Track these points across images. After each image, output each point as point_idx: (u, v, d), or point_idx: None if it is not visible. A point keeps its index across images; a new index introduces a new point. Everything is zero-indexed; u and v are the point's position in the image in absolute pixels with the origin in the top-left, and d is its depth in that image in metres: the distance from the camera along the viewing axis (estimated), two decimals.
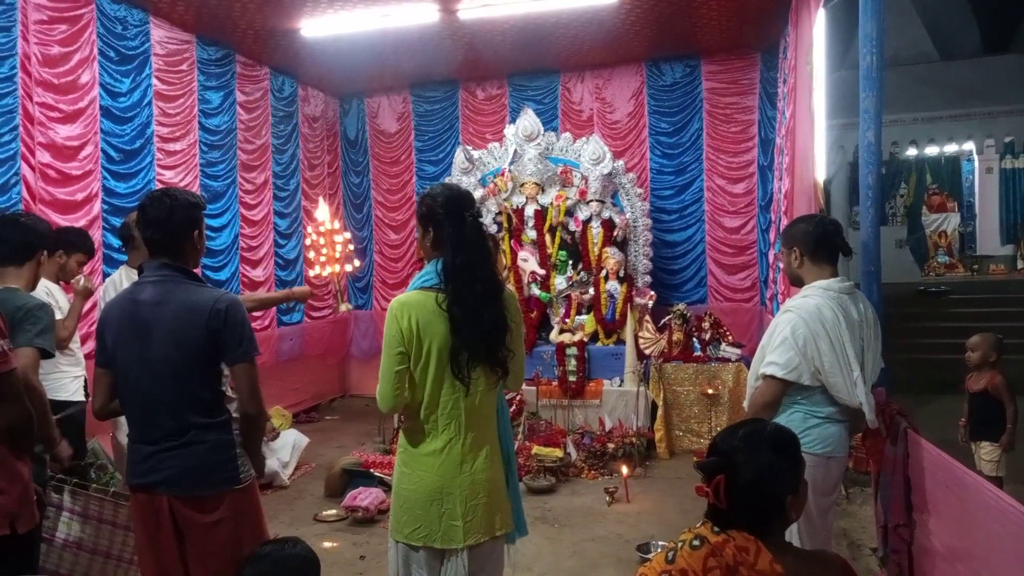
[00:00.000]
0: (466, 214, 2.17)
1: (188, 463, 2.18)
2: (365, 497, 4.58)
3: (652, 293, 6.72)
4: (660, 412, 5.95)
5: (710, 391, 5.93)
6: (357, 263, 6.62)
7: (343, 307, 6.04)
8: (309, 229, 6.73)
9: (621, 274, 6.54)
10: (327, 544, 4.22)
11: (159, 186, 5.60)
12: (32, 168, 4.77)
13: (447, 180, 7.10)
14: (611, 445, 5.59)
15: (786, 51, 6.12)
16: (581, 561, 3.96)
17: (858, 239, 3.59)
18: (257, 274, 7.10)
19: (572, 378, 6.18)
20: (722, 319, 6.60)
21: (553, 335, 6.56)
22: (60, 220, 4.81)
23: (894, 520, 2.75)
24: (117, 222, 5.07)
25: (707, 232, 7.70)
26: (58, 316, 3.38)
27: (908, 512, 2.71)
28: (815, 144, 4.83)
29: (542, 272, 6.66)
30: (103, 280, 4.68)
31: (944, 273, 12.53)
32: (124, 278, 3.83)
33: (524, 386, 5.99)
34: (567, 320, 6.61)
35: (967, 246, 13.54)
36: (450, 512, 2.13)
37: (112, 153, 5.44)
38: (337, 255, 6.41)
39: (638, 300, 6.54)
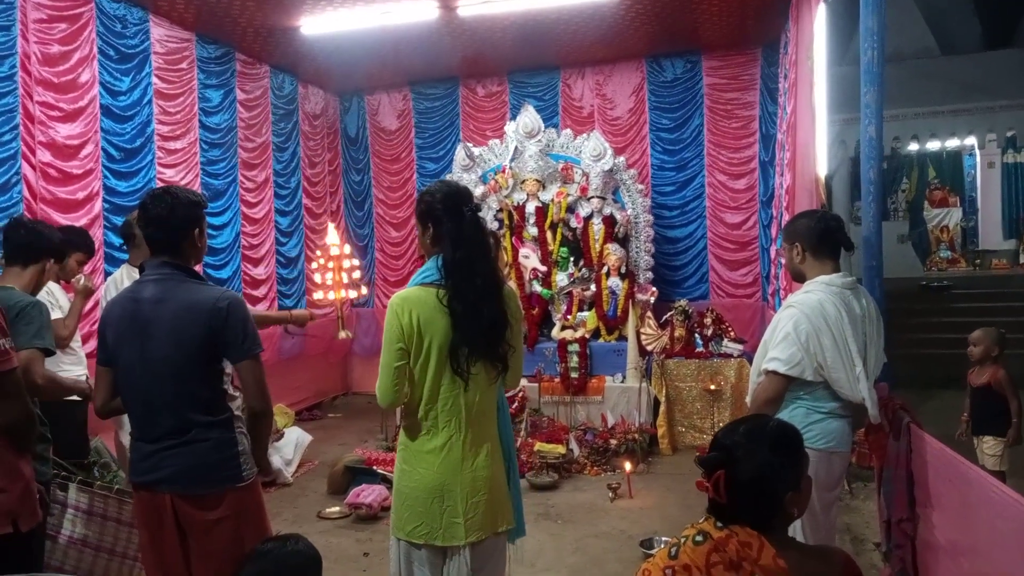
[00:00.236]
0: (464, 209, 2.17)
1: (190, 461, 2.18)
2: (368, 494, 4.58)
3: (654, 289, 6.71)
4: (662, 408, 5.95)
5: (712, 387, 5.93)
6: (365, 290, 6.65)
7: (342, 333, 6.09)
8: (318, 252, 6.78)
9: (623, 270, 6.53)
10: (330, 541, 4.23)
11: (160, 184, 5.61)
12: (33, 167, 4.77)
13: (448, 177, 7.09)
14: (613, 441, 5.59)
15: (787, 46, 6.11)
16: (584, 557, 3.96)
17: (860, 234, 3.58)
18: (259, 272, 7.11)
19: (574, 375, 6.18)
20: (724, 315, 6.60)
21: (555, 332, 6.56)
22: (61, 219, 4.82)
23: (897, 515, 2.75)
24: (118, 221, 5.08)
25: (708, 228, 7.69)
26: (58, 316, 3.39)
27: (911, 507, 2.71)
28: (816, 139, 4.82)
29: (543, 269, 6.66)
30: (105, 279, 4.68)
31: (946, 268, 12.50)
32: (125, 277, 3.83)
33: (526, 383, 6.06)
34: (569, 317, 6.60)
35: (969, 241, 13.51)
36: (451, 509, 2.13)
37: (113, 152, 5.45)
38: (344, 280, 6.46)
39: (640, 296, 6.54)
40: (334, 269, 6.52)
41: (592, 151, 6.58)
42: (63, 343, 3.39)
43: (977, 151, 13.29)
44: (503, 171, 6.83)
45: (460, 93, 8.25)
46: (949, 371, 6.34)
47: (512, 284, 6.64)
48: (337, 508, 4.71)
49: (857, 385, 2.50)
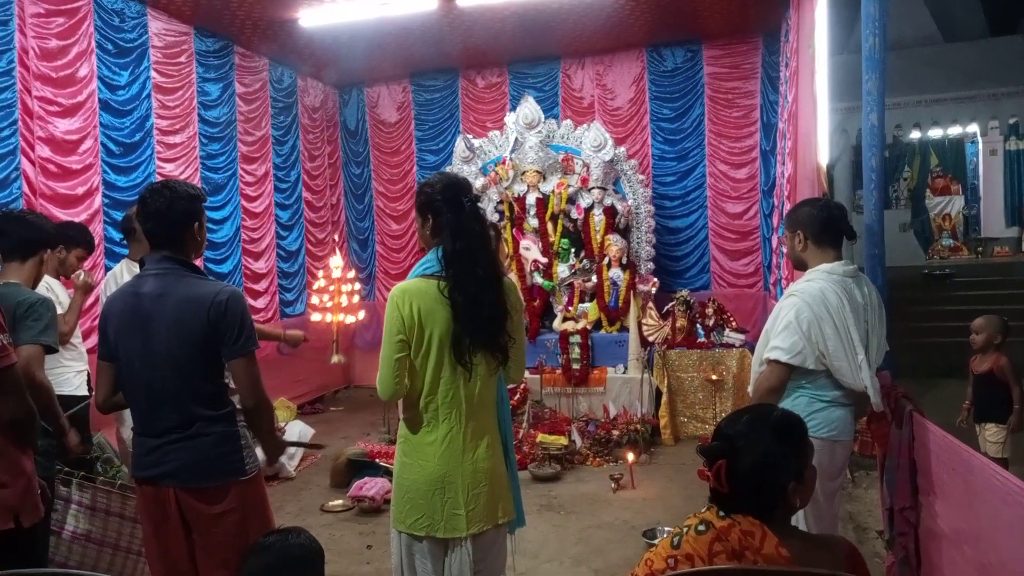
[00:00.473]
0: (464, 200, 2.17)
1: (193, 455, 2.18)
2: (371, 487, 4.59)
3: (655, 280, 6.70)
4: (664, 399, 5.96)
5: (714, 377, 5.93)
6: (363, 315, 6.68)
7: (335, 358, 6.10)
8: (320, 274, 6.82)
9: (624, 261, 6.52)
10: (334, 534, 4.24)
11: (159, 179, 5.60)
12: (32, 162, 4.76)
13: (448, 169, 7.07)
14: (616, 432, 5.60)
15: (788, 34, 6.07)
16: (587, 548, 3.97)
17: (862, 223, 3.57)
18: (259, 266, 7.10)
19: (576, 366, 6.18)
20: (726, 305, 6.59)
21: (556, 323, 6.55)
22: (61, 215, 4.81)
23: (900, 503, 2.75)
24: (118, 216, 5.07)
25: (710, 218, 7.67)
26: (59, 312, 3.38)
27: (914, 495, 2.70)
28: (818, 128, 4.79)
29: (544, 260, 6.65)
30: (105, 274, 4.68)
31: (948, 256, 12.48)
32: (125, 271, 3.82)
33: (528, 374, 6.06)
34: (570, 308, 6.60)
35: (971, 229, 13.47)
36: (452, 501, 2.13)
37: (112, 147, 5.43)
38: (343, 304, 6.51)
39: (641, 287, 6.53)
40: (334, 292, 6.59)
41: (593, 142, 6.56)
42: (63, 339, 3.39)
43: (979, 139, 13.24)
44: (503, 163, 6.81)
45: (460, 84, 8.23)
46: (951, 359, 6.33)
47: (513, 276, 6.65)
48: (340, 501, 4.72)
49: (859, 373, 2.49)
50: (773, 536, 1.42)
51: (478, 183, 6.77)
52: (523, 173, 6.74)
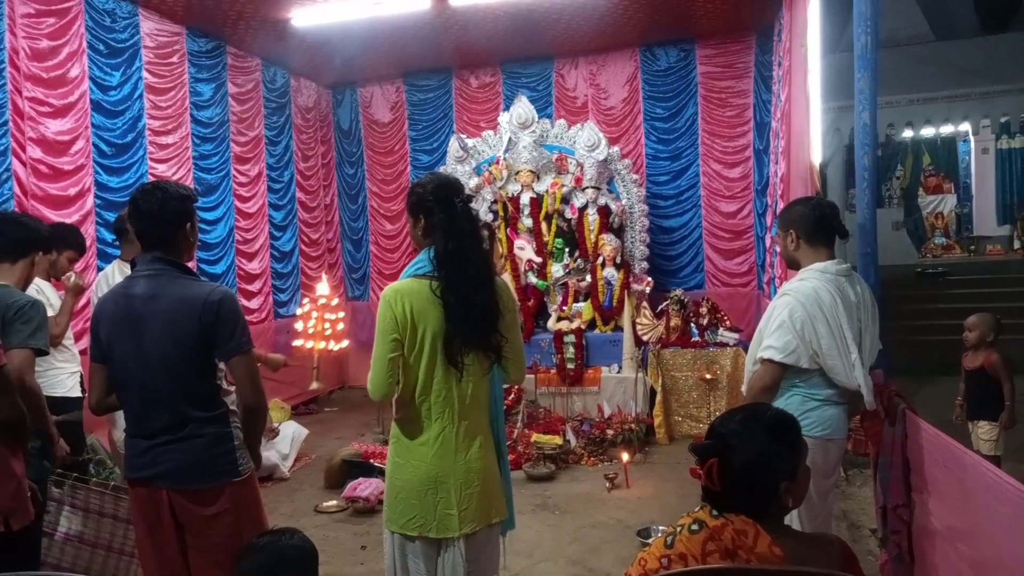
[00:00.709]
0: (456, 200, 2.17)
1: (186, 457, 2.17)
2: (365, 488, 4.58)
3: (649, 279, 6.71)
4: (659, 398, 5.96)
5: (708, 376, 5.93)
6: (347, 343, 6.70)
7: (314, 384, 6.11)
8: (306, 301, 6.82)
9: (618, 261, 6.53)
10: (328, 535, 4.23)
11: (152, 180, 5.57)
12: (23, 164, 4.74)
13: (441, 169, 7.07)
14: (610, 431, 5.60)
15: (781, 33, 6.09)
16: (582, 547, 3.97)
17: (854, 221, 3.58)
18: (253, 267, 7.08)
19: (570, 365, 6.18)
20: (719, 304, 6.60)
21: (551, 323, 6.55)
22: (53, 216, 4.78)
23: (893, 501, 2.76)
24: (110, 217, 5.05)
25: (703, 217, 7.68)
26: (50, 314, 3.36)
27: (907, 493, 2.71)
28: (811, 127, 4.81)
29: (539, 260, 6.65)
30: (97, 275, 4.65)
31: (941, 254, 12.54)
32: (117, 272, 3.80)
33: None
34: (564, 308, 6.60)
35: (964, 227, 13.53)
36: (445, 501, 2.13)
37: (104, 147, 5.41)
38: (327, 331, 6.54)
39: (635, 286, 6.53)
40: (318, 318, 6.61)
41: (586, 141, 6.56)
42: (55, 341, 3.37)
43: (971, 137, 13.29)
44: (497, 162, 6.81)
45: (453, 84, 8.22)
46: (945, 357, 6.34)
47: (508, 276, 6.64)
48: (334, 502, 4.71)
49: (852, 372, 2.50)
50: (766, 535, 1.42)
51: (472, 183, 6.77)
52: (517, 173, 6.73)
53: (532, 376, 6.15)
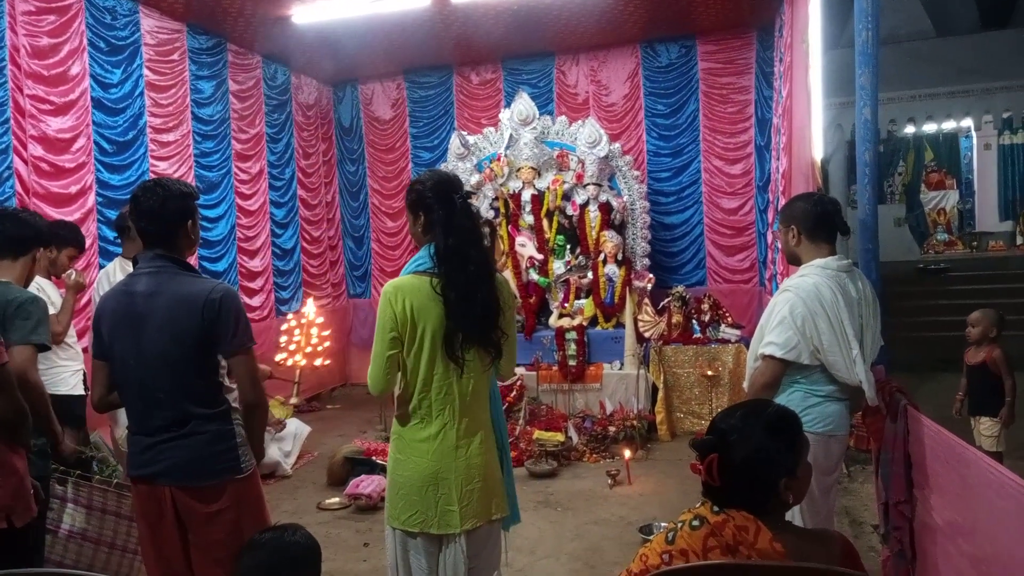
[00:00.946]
0: (455, 197, 2.18)
1: (188, 454, 2.17)
2: (368, 485, 4.59)
3: (651, 276, 6.71)
4: (661, 394, 5.96)
5: (710, 373, 5.93)
6: (328, 361, 6.72)
7: (293, 400, 6.14)
8: (290, 315, 6.84)
9: (619, 257, 6.52)
10: (331, 532, 4.24)
11: (153, 177, 5.57)
12: (25, 161, 4.74)
13: (443, 166, 7.06)
14: (612, 428, 5.61)
15: (782, 29, 6.08)
16: (584, 544, 3.97)
17: (856, 217, 3.57)
18: (255, 264, 7.09)
19: (572, 362, 6.18)
20: (721, 300, 6.60)
21: (552, 320, 6.55)
22: (54, 214, 4.78)
23: (895, 497, 2.75)
24: (112, 215, 5.05)
25: (705, 213, 7.68)
26: (50, 312, 3.36)
27: (909, 489, 2.71)
28: (812, 123, 4.80)
29: (540, 257, 6.65)
30: (98, 273, 4.66)
31: (943, 250, 12.53)
32: (118, 269, 3.81)
33: (524, 371, 6.07)
34: (566, 304, 6.60)
35: (966, 223, 13.51)
36: (446, 497, 2.14)
37: (105, 145, 5.41)
38: (309, 349, 6.56)
39: (637, 283, 6.53)
40: (302, 335, 6.62)
41: (587, 138, 6.55)
42: (57, 339, 3.37)
43: (973, 133, 13.26)
44: (498, 159, 6.80)
45: (454, 81, 8.21)
46: (947, 353, 6.35)
47: (509, 273, 6.64)
48: (337, 499, 4.72)
49: (854, 368, 2.50)
50: (767, 531, 1.42)
51: (473, 180, 6.76)
52: (518, 170, 6.73)
53: (534, 373, 6.15)
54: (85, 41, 5.23)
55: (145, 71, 5.77)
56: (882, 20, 3.54)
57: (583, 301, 6.59)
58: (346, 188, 8.74)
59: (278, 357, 6.63)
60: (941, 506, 2.48)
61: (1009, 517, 1.89)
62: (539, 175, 6.72)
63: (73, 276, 3.65)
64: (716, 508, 1.47)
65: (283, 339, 6.63)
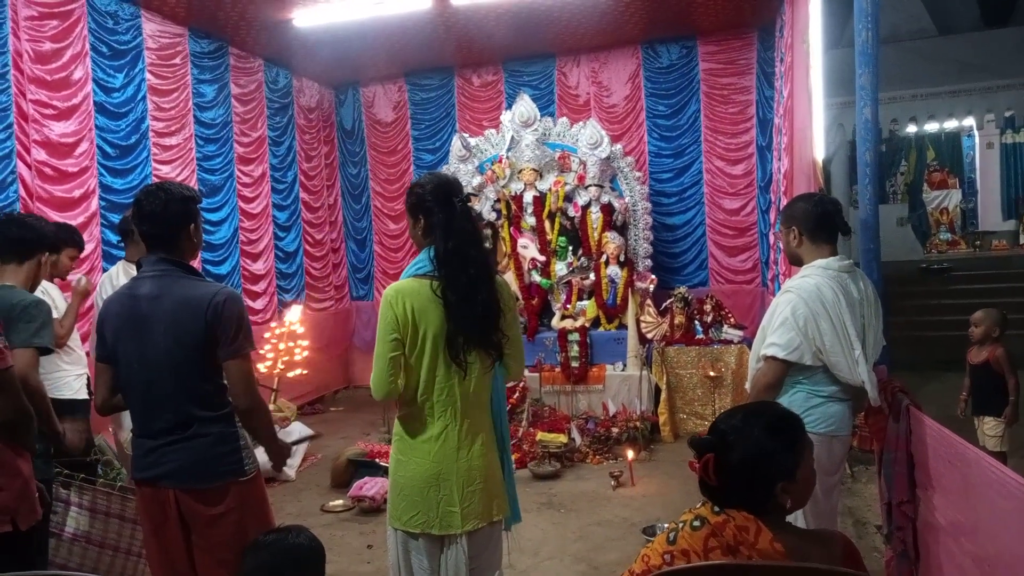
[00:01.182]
0: (455, 200, 2.19)
1: (192, 456, 2.18)
2: (371, 487, 4.60)
3: (653, 277, 6.71)
4: (663, 395, 5.96)
5: (713, 373, 5.93)
6: (305, 372, 6.72)
7: (271, 406, 6.14)
8: (273, 324, 6.84)
9: (621, 259, 6.52)
10: (334, 534, 4.24)
11: (156, 181, 5.58)
12: (28, 166, 4.76)
13: (444, 168, 7.08)
14: (615, 430, 5.61)
15: (782, 29, 6.08)
16: (587, 545, 3.97)
17: (858, 217, 3.57)
18: (258, 267, 7.10)
19: (575, 364, 6.18)
20: (724, 301, 6.60)
21: (555, 321, 6.56)
22: (58, 218, 4.79)
23: (898, 497, 2.75)
24: (115, 218, 5.07)
25: (707, 214, 7.67)
26: (55, 315, 3.37)
27: (912, 489, 2.71)
28: (813, 123, 4.80)
29: (542, 258, 6.65)
30: (101, 276, 4.67)
31: (946, 250, 12.50)
32: (122, 273, 3.82)
33: (527, 373, 6.06)
34: (568, 306, 6.60)
35: (969, 222, 13.48)
36: (447, 498, 2.15)
37: (108, 149, 5.43)
38: (287, 358, 6.57)
39: (639, 284, 6.53)
40: (284, 340, 6.63)
41: (589, 139, 6.55)
42: (60, 343, 3.38)
43: (976, 132, 13.24)
44: (500, 161, 6.81)
45: (455, 83, 8.22)
46: (950, 352, 6.34)
47: (511, 274, 6.65)
48: (340, 501, 4.73)
49: (856, 368, 2.50)
50: (768, 531, 1.42)
51: (475, 181, 6.77)
52: (520, 171, 6.74)
53: (537, 375, 6.16)
54: (87, 46, 5.25)
55: (147, 75, 5.79)
56: (883, 19, 3.55)
57: (585, 302, 6.59)
58: (348, 191, 8.76)
59: (260, 366, 6.59)
60: (944, 506, 2.48)
61: (1011, 517, 1.89)
62: (541, 177, 6.73)
63: (83, 281, 3.66)
64: (717, 508, 1.47)
65: (266, 347, 6.60)
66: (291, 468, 5.39)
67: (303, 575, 1.92)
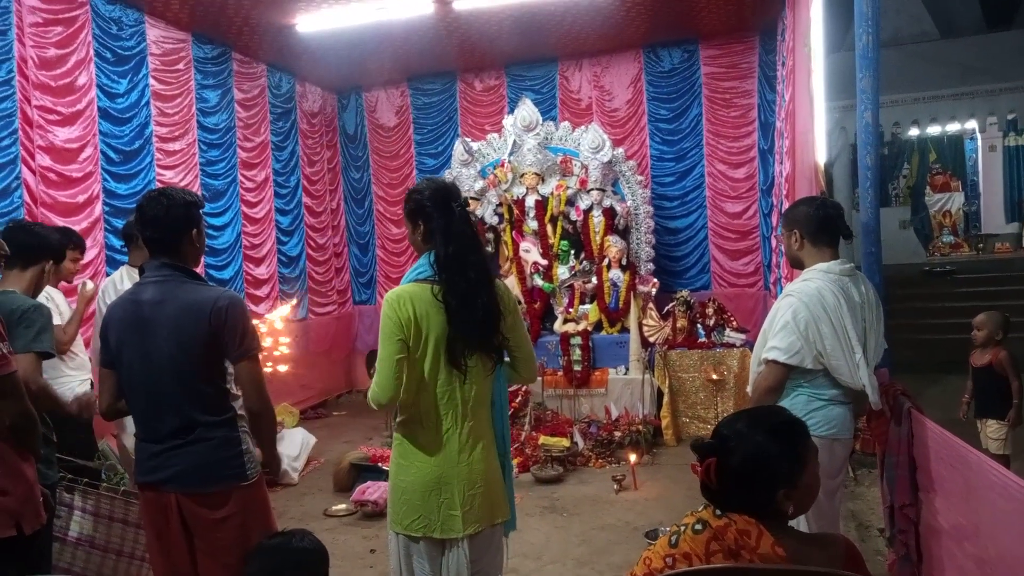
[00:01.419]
0: (453, 204, 2.20)
1: (194, 460, 2.19)
2: (374, 491, 4.59)
3: (655, 280, 6.71)
4: (666, 399, 5.95)
5: (715, 377, 5.92)
6: (284, 369, 6.70)
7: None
8: (259, 323, 6.84)
9: (624, 262, 6.53)
10: (337, 538, 4.24)
11: (159, 186, 5.61)
12: (33, 171, 4.78)
13: (447, 172, 7.10)
14: (618, 433, 5.60)
15: (784, 33, 6.08)
16: (589, 549, 3.97)
17: (860, 220, 3.57)
18: (261, 272, 7.12)
19: (577, 368, 6.18)
20: (726, 304, 6.59)
21: (557, 325, 6.56)
22: (62, 223, 4.81)
23: (900, 500, 2.75)
24: (119, 224, 5.09)
25: (709, 218, 7.68)
26: (59, 322, 3.38)
27: (914, 492, 2.71)
28: (815, 126, 4.80)
29: (544, 262, 6.66)
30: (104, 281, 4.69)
31: (949, 253, 12.48)
32: (125, 277, 3.83)
33: None
34: (571, 310, 6.60)
35: (972, 225, 13.46)
36: (448, 502, 2.15)
37: (112, 154, 5.45)
38: (275, 352, 6.56)
39: (641, 288, 6.53)
40: (273, 338, 6.63)
41: (591, 143, 6.57)
42: (63, 348, 3.40)
43: (978, 135, 13.23)
44: (502, 165, 6.83)
45: (458, 88, 8.25)
46: (953, 356, 6.33)
47: (514, 278, 6.66)
48: (343, 505, 4.73)
49: (857, 372, 2.50)
50: (769, 535, 1.42)
51: (477, 186, 6.79)
52: (522, 175, 6.75)
53: (539, 378, 6.16)
54: (92, 52, 5.27)
55: (151, 81, 5.81)
56: (885, 22, 3.56)
57: (588, 306, 6.60)
58: (351, 195, 8.78)
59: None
60: (946, 509, 2.48)
61: (1013, 519, 1.89)
62: (543, 181, 6.74)
63: (89, 286, 3.67)
64: (718, 512, 1.48)
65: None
66: (294, 471, 5.40)
67: None
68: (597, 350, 6.31)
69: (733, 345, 6.06)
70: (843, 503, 3.71)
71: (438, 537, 2.16)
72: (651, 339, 6.23)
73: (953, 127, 13.05)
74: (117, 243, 5.23)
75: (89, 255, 4.98)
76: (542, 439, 5.51)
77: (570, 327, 6.41)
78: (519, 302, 6.59)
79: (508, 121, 6.92)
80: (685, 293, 6.50)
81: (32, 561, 2.20)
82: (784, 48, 6.04)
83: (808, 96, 4.87)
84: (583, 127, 6.82)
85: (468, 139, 7.23)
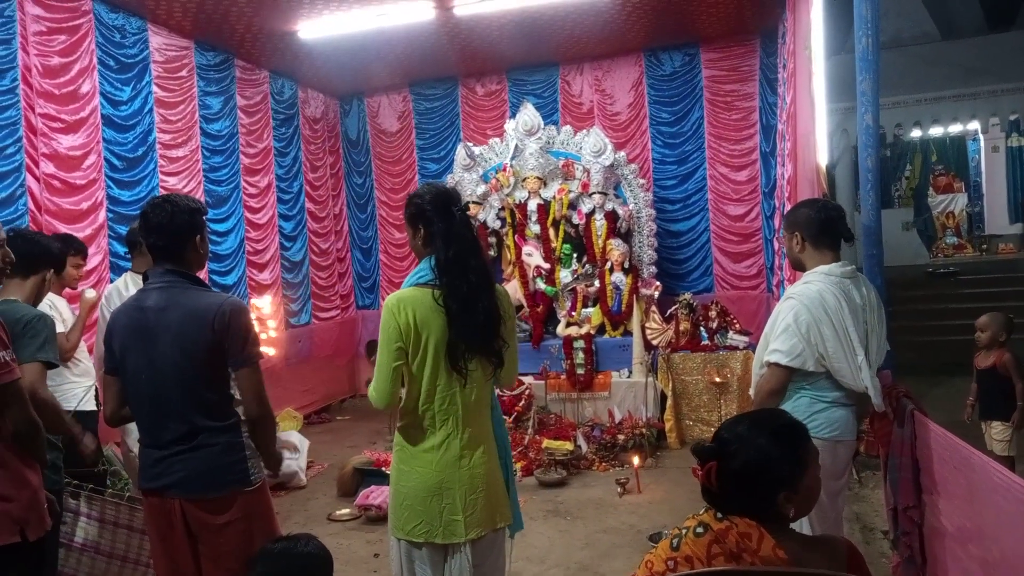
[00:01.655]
0: (453, 209, 2.21)
1: (198, 466, 2.19)
2: (378, 495, 4.60)
3: (658, 283, 6.71)
4: (669, 402, 5.95)
5: (718, 379, 5.92)
6: (275, 351, 6.69)
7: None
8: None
9: (626, 265, 6.53)
10: (341, 543, 4.25)
11: (163, 193, 5.63)
12: (37, 179, 4.81)
13: (449, 177, 7.12)
14: (621, 436, 5.60)
15: (785, 35, 6.09)
16: (593, 552, 3.97)
17: (861, 223, 3.57)
18: (264, 277, 7.14)
19: (580, 371, 6.18)
20: (729, 307, 6.59)
21: (560, 328, 6.56)
22: (66, 230, 4.84)
23: (904, 502, 2.75)
24: (123, 230, 5.11)
25: (711, 221, 7.68)
26: (62, 329, 3.39)
27: (918, 494, 2.70)
28: (816, 129, 4.80)
29: (547, 266, 6.66)
30: (107, 288, 4.70)
31: (952, 254, 12.45)
32: (130, 284, 3.84)
33: (533, 380, 6.07)
34: (573, 313, 6.60)
35: (975, 226, 13.42)
36: (450, 507, 2.15)
37: (115, 161, 5.48)
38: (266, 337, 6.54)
39: (644, 291, 6.53)
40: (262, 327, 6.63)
41: (592, 147, 6.58)
42: (67, 355, 3.40)
43: (981, 136, 13.20)
44: (504, 169, 6.84)
45: (459, 93, 8.27)
46: (957, 357, 6.31)
47: (516, 282, 6.66)
48: (347, 510, 4.73)
49: (859, 374, 2.50)
50: (770, 538, 1.43)
51: (479, 190, 6.80)
52: (524, 180, 6.76)
53: (542, 382, 6.16)
54: (95, 60, 5.30)
55: (154, 88, 5.84)
56: (886, 24, 3.57)
57: (590, 309, 6.60)
58: (354, 200, 8.80)
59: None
60: (950, 511, 2.47)
61: (1017, 521, 1.89)
62: (545, 185, 6.75)
63: (90, 294, 3.68)
64: (719, 515, 1.48)
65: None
66: (301, 471, 5.40)
67: None
68: (600, 353, 6.31)
69: (736, 348, 6.05)
70: (847, 505, 3.71)
71: (440, 542, 2.17)
72: (654, 342, 6.23)
73: (955, 128, 13.02)
74: (121, 250, 5.24)
75: (93, 262, 5.00)
76: (545, 443, 5.51)
77: (573, 330, 6.41)
78: (521, 306, 6.60)
79: (510, 125, 6.93)
80: (688, 296, 6.50)
81: (37, 567, 2.20)
82: (785, 51, 6.05)
83: (809, 98, 4.87)
84: (585, 131, 6.83)
85: (470, 144, 7.24)
